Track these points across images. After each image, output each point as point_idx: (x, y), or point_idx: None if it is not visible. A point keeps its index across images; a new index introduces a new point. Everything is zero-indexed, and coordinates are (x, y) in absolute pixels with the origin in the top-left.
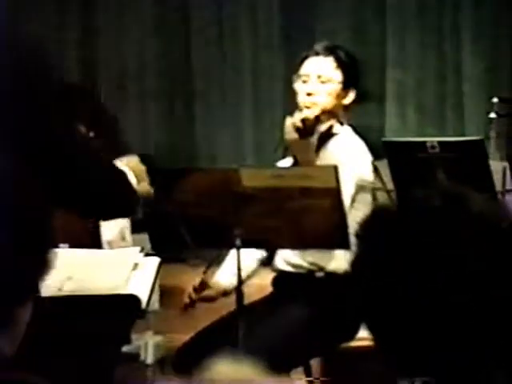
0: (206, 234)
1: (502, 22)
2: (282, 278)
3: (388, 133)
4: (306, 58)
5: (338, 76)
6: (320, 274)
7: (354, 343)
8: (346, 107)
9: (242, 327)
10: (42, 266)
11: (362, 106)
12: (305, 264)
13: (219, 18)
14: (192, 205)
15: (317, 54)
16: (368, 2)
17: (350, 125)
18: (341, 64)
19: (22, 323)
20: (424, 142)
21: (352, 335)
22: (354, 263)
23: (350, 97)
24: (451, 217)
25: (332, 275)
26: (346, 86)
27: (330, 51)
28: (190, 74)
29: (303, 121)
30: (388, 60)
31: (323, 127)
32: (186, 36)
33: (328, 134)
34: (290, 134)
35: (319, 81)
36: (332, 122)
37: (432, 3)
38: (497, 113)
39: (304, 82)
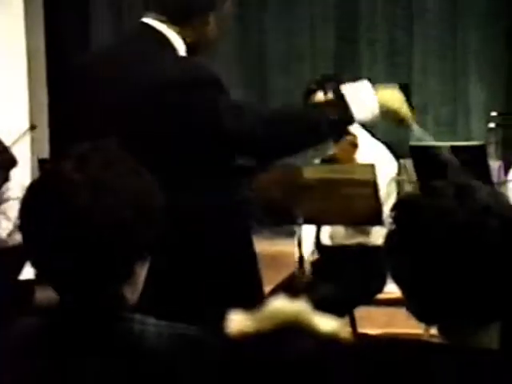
0: (277, 214)
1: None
2: (328, 249)
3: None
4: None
5: None
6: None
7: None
8: None
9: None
10: (155, 230)
11: None
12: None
13: None
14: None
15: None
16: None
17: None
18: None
19: (142, 276)
20: (440, 147)
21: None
22: (388, 237)
23: None
24: (461, 203)
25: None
26: None
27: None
28: None
29: None
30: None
31: None
32: None
33: None
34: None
35: None
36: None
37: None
38: (496, 124)
39: None
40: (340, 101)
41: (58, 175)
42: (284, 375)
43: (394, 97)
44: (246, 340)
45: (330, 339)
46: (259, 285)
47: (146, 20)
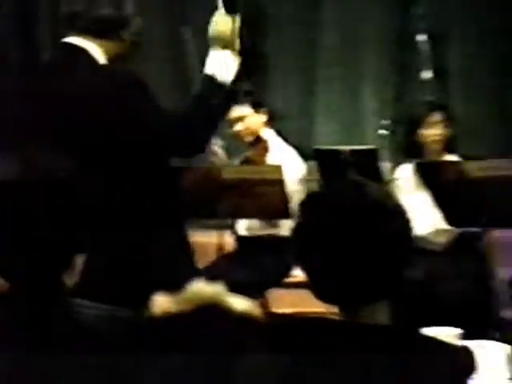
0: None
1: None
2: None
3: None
4: None
5: None
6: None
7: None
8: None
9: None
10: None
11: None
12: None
13: None
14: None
15: None
16: None
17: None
18: None
19: (80, 265)
20: (340, 150)
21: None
22: (295, 229)
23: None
24: (356, 199)
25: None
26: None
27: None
28: None
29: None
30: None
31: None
32: None
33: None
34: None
35: None
36: None
37: None
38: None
39: None
40: None
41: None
42: (205, 349)
43: (225, 25)
44: (169, 319)
45: (244, 317)
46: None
47: (68, 39)
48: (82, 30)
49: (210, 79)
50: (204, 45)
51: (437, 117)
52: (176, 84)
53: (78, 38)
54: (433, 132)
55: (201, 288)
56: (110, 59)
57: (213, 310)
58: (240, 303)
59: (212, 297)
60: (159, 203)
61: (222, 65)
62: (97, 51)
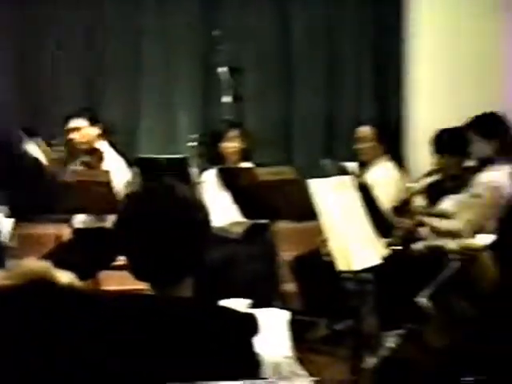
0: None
1: None
2: (80, 231)
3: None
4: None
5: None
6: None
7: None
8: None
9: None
10: None
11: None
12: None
13: None
14: None
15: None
16: None
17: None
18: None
19: None
20: (158, 158)
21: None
22: (117, 221)
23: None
24: (168, 197)
25: (104, 228)
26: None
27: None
28: None
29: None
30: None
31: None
32: None
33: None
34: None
35: None
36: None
37: None
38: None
39: None
40: None
41: None
42: (36, 316)
43: None
44: (4, 292)
45: (70, 288)
46: None
47: None
48: None
49: None
50: None
51: (234, 132)
52: None
53: None
54: (231, 145)
55: (30, 264)
56: None
57: (41, 282)
58: (64, 277)
59: (41, 271)
60: None
61: None
62: None
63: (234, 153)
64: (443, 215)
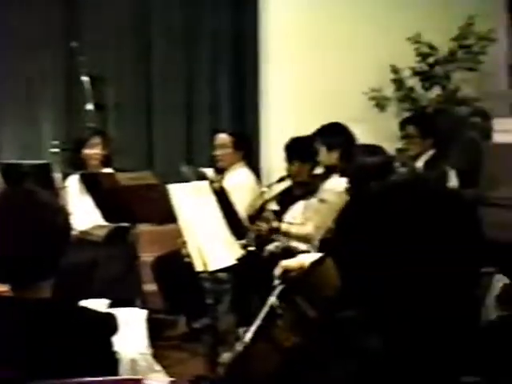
0: None
1: None
2: None
3: None
4: None
5: None
6: None
7: None
8: None
9: None
10: None
11: None
12: None
13: None
14: None
15: None
16: None
17: None
18: None
19: None
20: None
21: None
22: None
23: None
24: (29, 200)
25: None
26: None
27: None
28: None
29: None
30: None
31: None
32: None
33: None
34: None
35: None
36: None
37: None
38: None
39: None
40: None
41: None
42: None
43: None
44: None
45: None
46: None
47: None
48: None
49: None
50: None
51: (96, 139)
52: None
53: None
54: (93, 151)
55: None
56: None
57: None
58: None
59: None
60: None
61: None
62: None
63: (95, 159)
64: (294, 221)
